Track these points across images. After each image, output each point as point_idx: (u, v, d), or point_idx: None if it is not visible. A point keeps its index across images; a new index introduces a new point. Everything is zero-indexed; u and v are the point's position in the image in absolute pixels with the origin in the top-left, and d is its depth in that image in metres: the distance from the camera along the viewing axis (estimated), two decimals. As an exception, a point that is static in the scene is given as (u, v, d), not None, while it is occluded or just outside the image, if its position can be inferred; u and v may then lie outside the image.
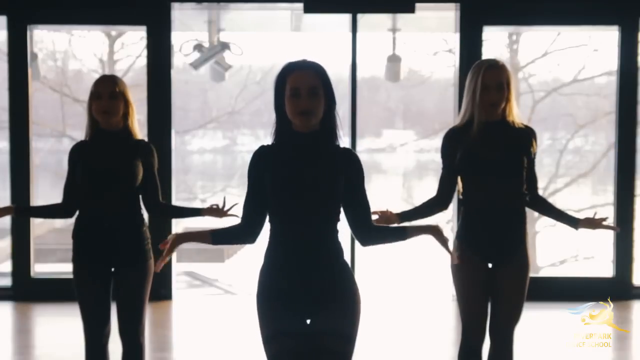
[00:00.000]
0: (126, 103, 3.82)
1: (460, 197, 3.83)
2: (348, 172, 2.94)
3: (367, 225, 3.00)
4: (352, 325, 2.95)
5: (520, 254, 3.76)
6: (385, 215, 3.72)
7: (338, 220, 2.97)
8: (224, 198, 4.06)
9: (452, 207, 7.07)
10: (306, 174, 2.88)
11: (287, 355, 2.91)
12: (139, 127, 3.93)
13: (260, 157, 2.96)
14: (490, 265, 3.78)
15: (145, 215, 3.97)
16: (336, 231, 2.97)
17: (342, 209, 2.99)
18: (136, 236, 3.83)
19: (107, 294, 3.85)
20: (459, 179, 3.82)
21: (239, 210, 3.98)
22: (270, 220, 2.97)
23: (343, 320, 2.92)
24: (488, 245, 3.74)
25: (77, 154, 3.84)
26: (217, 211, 4.01)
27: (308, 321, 2.96)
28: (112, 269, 3.84)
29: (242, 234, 3.02)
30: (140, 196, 3.90)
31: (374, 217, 3.71)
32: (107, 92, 3.78)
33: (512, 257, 3.75)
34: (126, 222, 3.82)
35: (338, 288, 2.94)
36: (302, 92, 2.86)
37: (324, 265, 2.92)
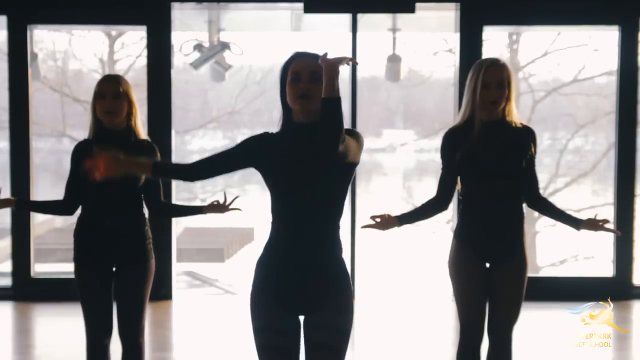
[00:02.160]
0: (130, 103, 3.83)
1: (460, 197, 3.84)
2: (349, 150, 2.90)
3: None
4: (348, 321, 2.95)
5: (519, 254, 3.76)
6: (385, 219, 3.72)
7: (340, 215, 2.96)
8: (224, 193, 4.07)
9: (453, 207, 7.07)
10: (306, 169, 2.87)
11: (275, 350, 2.93)
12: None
13: (264, 141, 2.96)
14: (488, 265, 3.79)
15: (147, 215, 3.97)
16: (337, 227, 2.96)
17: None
18: (138, 236, 3.84)
19: (108, 294, 3.85)
20: (458, 178, 3.82)
21: (240, 204, 4.01)
22: (272, 214, 2.97)
23: (340, 316, 2.93)
24: (486, 245, 3.74)
25: (80, 153, 3.84)
26: (219, 207, 4.01)
27: (301, 318, 2.96)
28: (114, 269, 3.84)
29: (185, 173, 3.02)
30: (142, 195, 3.91)
31: (372, 222, 3.71)
32: (110, 92, 3.78)
33: (510, 257, 3.75)
34: (128, 221, 3.82)
35: (334, 285, 2.93)
36: (303, 76, 2.88)
37: (322, 262, 2.91)
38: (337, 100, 2.70)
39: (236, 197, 4.02)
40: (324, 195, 2.90)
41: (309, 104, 2.87)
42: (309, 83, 2.87)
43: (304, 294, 2.91)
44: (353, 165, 2.93)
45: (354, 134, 2.94)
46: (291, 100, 2.90)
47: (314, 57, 2.91)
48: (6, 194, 6.60)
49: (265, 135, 2.99)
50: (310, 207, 2.88)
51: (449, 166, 3.79)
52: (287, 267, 2.91)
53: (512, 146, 3.71)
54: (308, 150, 2.86)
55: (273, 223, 2.97)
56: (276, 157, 2.90)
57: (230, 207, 4.01)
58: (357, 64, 3.17)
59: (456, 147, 3.74)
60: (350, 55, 6.99)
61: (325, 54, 2.73)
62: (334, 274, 2.94)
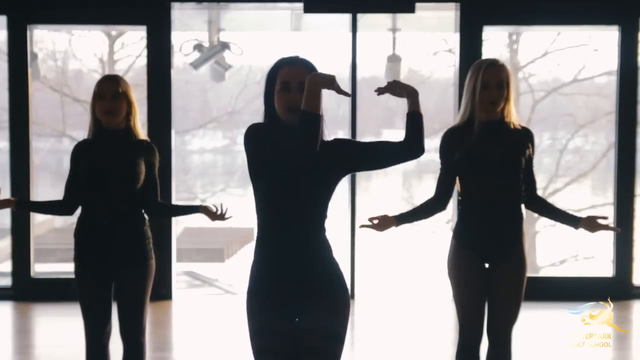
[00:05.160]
0: (129, 103, 3.84)
1: (459, 197, 3.83)
2: (336, 156, 2.93)
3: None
4: (341, 325, 2.94)
5: (517, 254, 3.76)
6: (382, 220, 3.72)
7: (325, 217, 2.96)
8: (222, 204, 4.07)
9: (453, 207, 7.07)
10: (292, 171, 2.86)
11: (271, 352, 2.92)
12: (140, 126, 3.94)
13: (262, 131, 2.92)
14: (487, 265, 3.78)
15: (147, 215, 3.97)
16: (323, 229, 2.95)
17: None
18: (138, 235, 3.84)
19: (108, 294, 3.85)
20: (457, 178, 3.82)
21: (233, 213, 4.03)
22: (257, 216, 2.96)
23: (332, 320, 2.92)
24: (485, 245, 3.74)
25: (80, 153, 3.85)
26: (212, 214, 4.03)
27: (296, 319, 2.95)
28: (114, 269, 3.84)
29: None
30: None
31: (370, 222, 3.71)
32: (110, 93, 3.79)
33: (509, 257, 3.74)
34: (128, 221, 3.82)
35: (326, 286, 2.92)
36: (292, 86, 2.87)
37: (310, 264, 2.90)
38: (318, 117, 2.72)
39: (228, 215, 4.05)
40: (308, 196, 2.89)
41: (298, 115, 2.85)
42: (299, 93, 2.85)
43: (295, 296, 2.90)
44: (340, 172, 2.95)
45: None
46: (280, 109, 2.89)
47: (302, 62, 2.92)
48: (6, 194, 6.61)
49: (260, 126, 2.94)
50: (294, 209, 2.88)
51: (447, 166, 3.79)
52: (278, 269, 2.90)
53: (511, 146, 3.72)
54: (297, 153, 2.84)
55: (259, 225, 2.96)
56: (267, 156, 2.88)
57: (225, 217, 4.03)
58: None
59: (455, 147, 3.74)
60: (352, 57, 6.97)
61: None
62: (324, 275, 2.93)
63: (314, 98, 2.70)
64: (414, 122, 2.90)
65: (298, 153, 2.83)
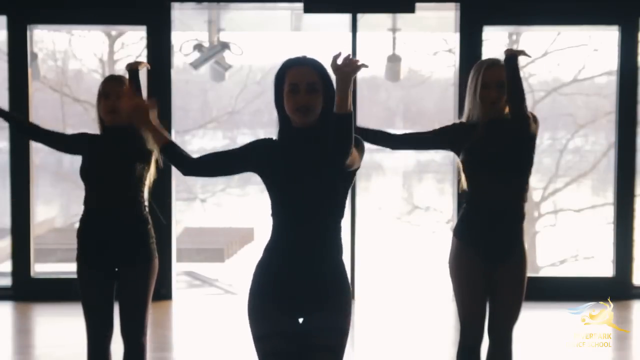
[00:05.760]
0: None
1: (466, 196, 3.81)
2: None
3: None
4: (345, 320, 2.94)
5: (518, 253, 3.76)
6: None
7: (341, 218, 2.95)
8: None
9: (453, 207, 7.09)
10: (306, 172, 2.86)
11: (278, 355, 2.92)
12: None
13: (265, 147, 2.93)
14: (488, 264, 3.78)
15: (149, 215, 3.97)
16: (339, 230, 2.95)
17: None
18: (140, 235, 3.84)
19: (110, 293, 3.86)
20: (462, 177, 3.81)
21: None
22: (272, 217, 2.96)
23: (338, 317, 2.92)
24: (487, 244, 3.74)
25: (87, 143, 3.89)
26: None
27: (300, 320, 2.96)
28: (116, 269, 3.84)
29: (186, 164, 2.97)
30: (143, 189, 3.91)
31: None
32: (114, 92, 3.82)
33: (510, 256, 3.75)
34: (130, 220, 3.82)
35: (333, 286, 2.92)
36: (301, 87, 2.85)
37: (322, 265, 2.91)
38: (349, 116, 2.63)
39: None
40: (325, 200, 2.89)
41: (306, 116, 2.86)
42: (307, 95, 2.85)
43: (303, 296, 2.90)
44: (354, 171, 2.93)
45: (355, 140, 2.88)
46: (289, 111, 2.88)
47: (310, 62, 2.90)
48: (6, 194, 6.63)
49: (268, 141, 2.96)
50: (311, 212, 2.87)
51: (436, 131, 3.78)
52: (286, 270, 2.90)
53: (513, 141, 3.70)
54: (308, 155, 2.85)
55: (273, 227, 2.95)
56: (277, 164, 2.89)
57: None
58: (367, 66, 2.79)
59: (460, 135, 3.73)
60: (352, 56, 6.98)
61: (336, 59, 2.63)
62: (333, 276, 2.93)
63: (346, 96, 2.61)
64: (334, 125, 2.67)
65: (310, 157, 2.84)
